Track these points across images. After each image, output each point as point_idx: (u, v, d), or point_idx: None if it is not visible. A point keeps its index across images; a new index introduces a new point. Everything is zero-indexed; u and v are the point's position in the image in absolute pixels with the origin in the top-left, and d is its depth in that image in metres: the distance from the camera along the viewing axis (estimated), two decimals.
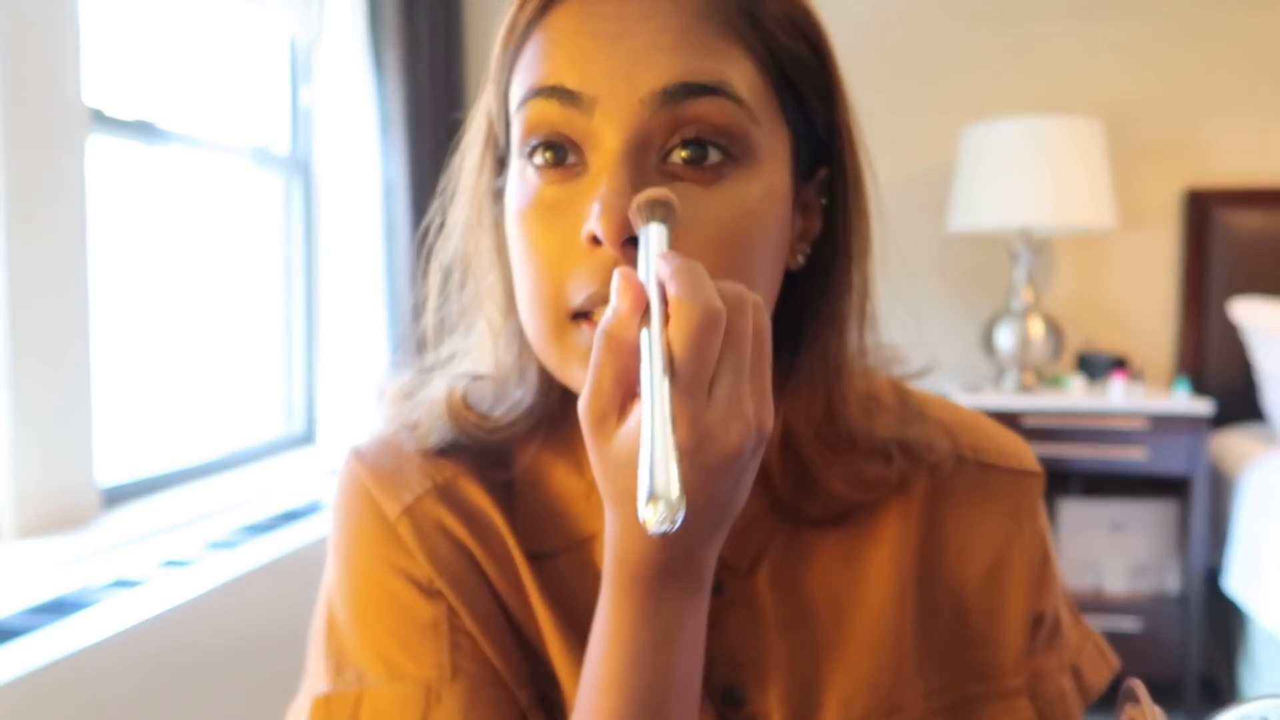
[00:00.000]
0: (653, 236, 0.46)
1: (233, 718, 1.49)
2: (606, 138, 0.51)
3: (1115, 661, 0.71)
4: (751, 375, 0.44)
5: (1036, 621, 0.66)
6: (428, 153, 2.51)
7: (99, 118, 1.78)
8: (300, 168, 2.50)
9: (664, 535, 0.45)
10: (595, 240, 0.50)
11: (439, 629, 0.57)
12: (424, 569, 0.58)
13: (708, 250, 0.50)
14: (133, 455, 1.95)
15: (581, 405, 0.45)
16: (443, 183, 0.64)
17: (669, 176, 0.51)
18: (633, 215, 0.48)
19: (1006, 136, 2.44)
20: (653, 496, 0.37)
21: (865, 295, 0.60)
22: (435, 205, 0.65)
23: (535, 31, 0.53)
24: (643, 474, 0.38)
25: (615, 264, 0.49)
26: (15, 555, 1.47)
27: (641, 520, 0.38)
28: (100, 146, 1.80)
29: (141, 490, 1.91)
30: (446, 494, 0.61)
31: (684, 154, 0.51)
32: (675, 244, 0.47)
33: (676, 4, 0.51)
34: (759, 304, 0.45)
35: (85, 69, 1.65)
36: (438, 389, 0.63)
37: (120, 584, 1.49)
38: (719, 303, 0.43)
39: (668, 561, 0.47)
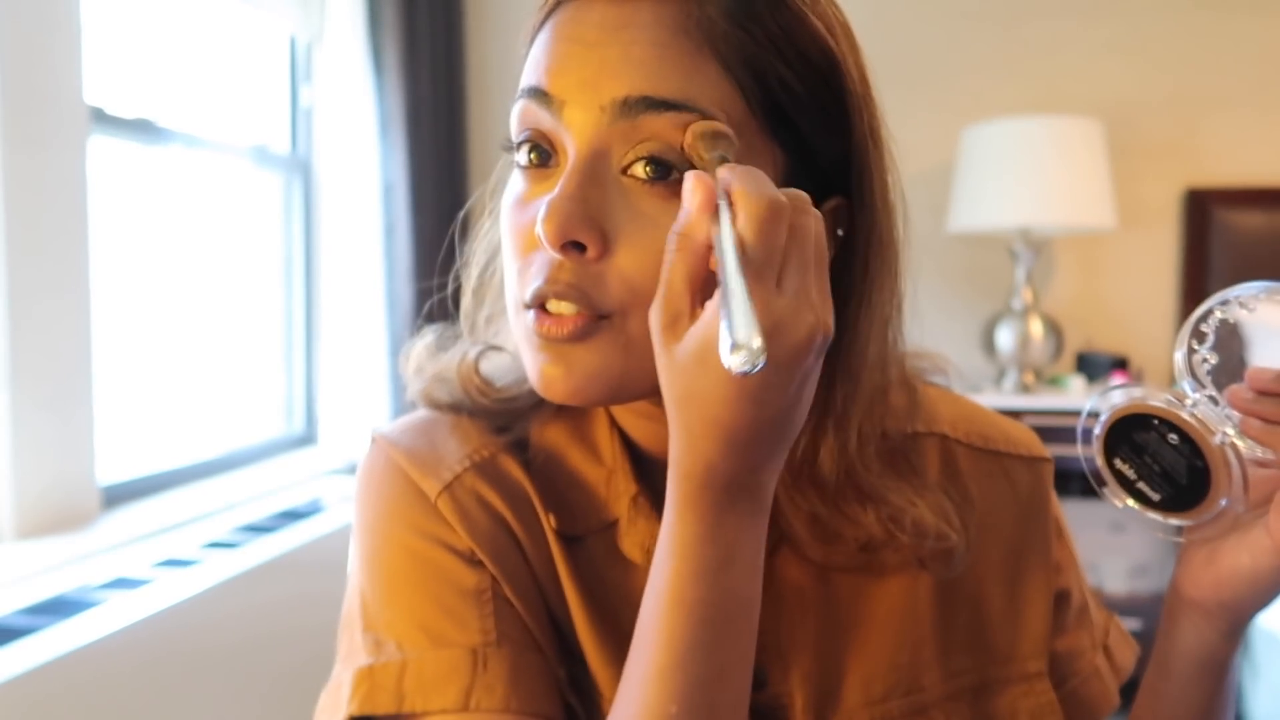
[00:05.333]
0: (717, 161, 0.49)
1: (233, 717, 1.49)
2: (570, 141, 0.52)
3: (1136, 645, 0.72)
4: (816, 274, 0.45)
5: (1062, 598, 0.67)
6: (428, 153, 2.52)
7: (99, 116, 1.78)
8: (300, 168, 2.50)
9: (730, 445, 0.46)
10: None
11: (482, 596, 0.57)
12: (465, 541, 0.58)
13: (649, 267, 0.50)
14: (133, 455, 1.95)
15: (654, 309, 0.46)
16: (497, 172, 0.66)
17: (627, 188, 0.51)
18: (690, 148, 0.50)
19: (1006, 136, 2.44)
20: (735, 346, 0.40)
21: (885, 335, 0.58)
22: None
23: (539, 35, 0.55)
24: (723, 330, 0.40)
25: (557, 265, 0.51)
26: (15, 555, 1.47)
27: (726, 366, 0.39)
28: (100, 146, 1.80)
29: (141, 490, 1.91)
30: (487, 470, 0.61)
31: (645, 169, 0.51)
32: (631, 253, 0.50)
33: (657, 17, 0.51)
34: (819, 215, 0.46)
35: (86, 69, 1.65)
36: (458, 352, 0.65)
37: (120, 584, 1.49)
38: (781, 196, 0.45)
39: (733, 474, 0.47)
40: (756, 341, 0.39)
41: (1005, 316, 2.55)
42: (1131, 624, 2.37)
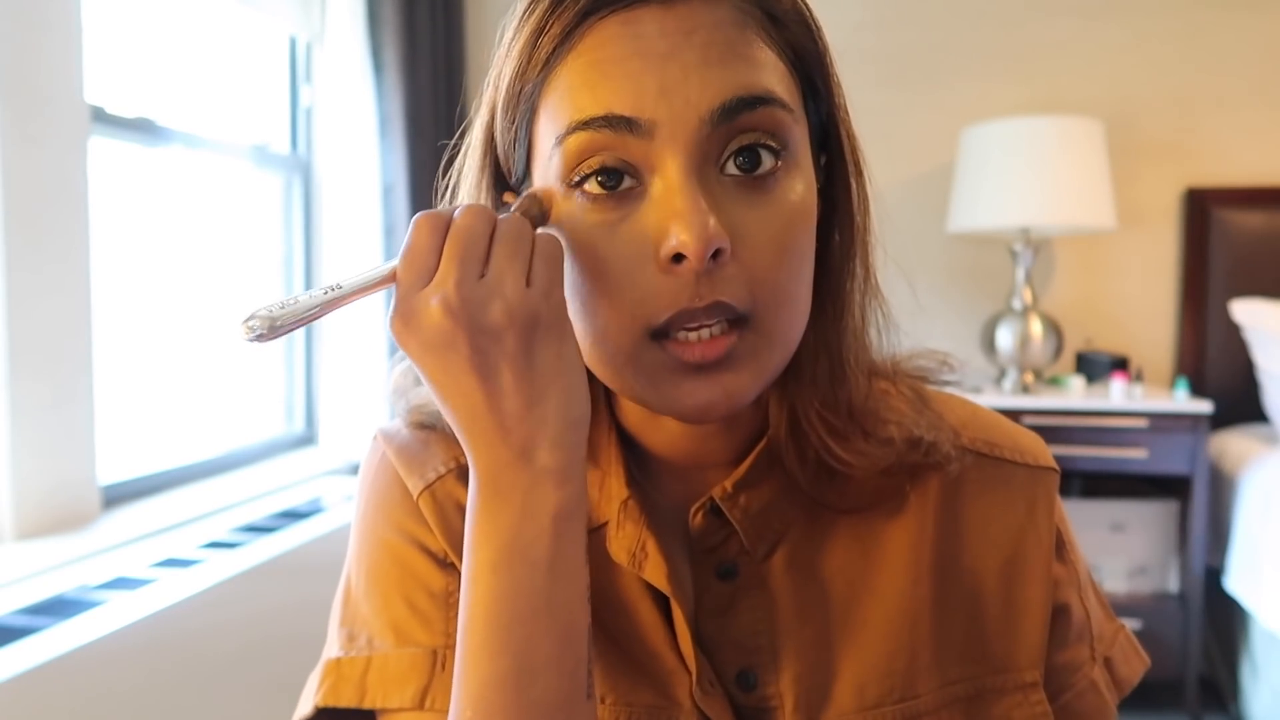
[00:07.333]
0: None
1: (233, 717, 1.49)
2: (668, 159, 0.51)
3: (1146, 657, 0.70)
4: (504, 261, 0.49)
5: (1061, 612, 0.66)
6: (427, 152, 2.51)
7: (99, 116, 1.78)
8: (300, 168, 2.50)
9: (467, 439, 0.51)
10: (674, 259, 0.51)
11: (450, 600, 0.59)
12: (439, 543, 0.60)
13: (770, 256, 0.52)
14: (133, 455, 1.95)
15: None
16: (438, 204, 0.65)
17: (727, 187, 0.52)
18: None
19: (1006, 136, 2.44)
20: (253, 315, 0.46)
21: (868, 275, 0.60)
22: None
23: (564, 59, 0.53)
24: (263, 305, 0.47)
25: (699, 277, 0.51)
26: (15, 555, 1.47)
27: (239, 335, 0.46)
28: (100, 146, 1.80)
29: (141, 490, 1.91)
30: (467, 474, 0.61)
31: (739, 162, 0.52)
32: (752, 249, 0.52)
33: (714, 16, 0.52)
34: (480, 210, 0.51)
35: (85, 68, 1.65)
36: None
37: (120, 584, 1.49)
38: (443, 212, 0.51)
39: (486, 472, 0.51)
40: (274, 314, 0.46)
41: (1005, 316, 2.55)
42: (1132, 624, 2.37)
